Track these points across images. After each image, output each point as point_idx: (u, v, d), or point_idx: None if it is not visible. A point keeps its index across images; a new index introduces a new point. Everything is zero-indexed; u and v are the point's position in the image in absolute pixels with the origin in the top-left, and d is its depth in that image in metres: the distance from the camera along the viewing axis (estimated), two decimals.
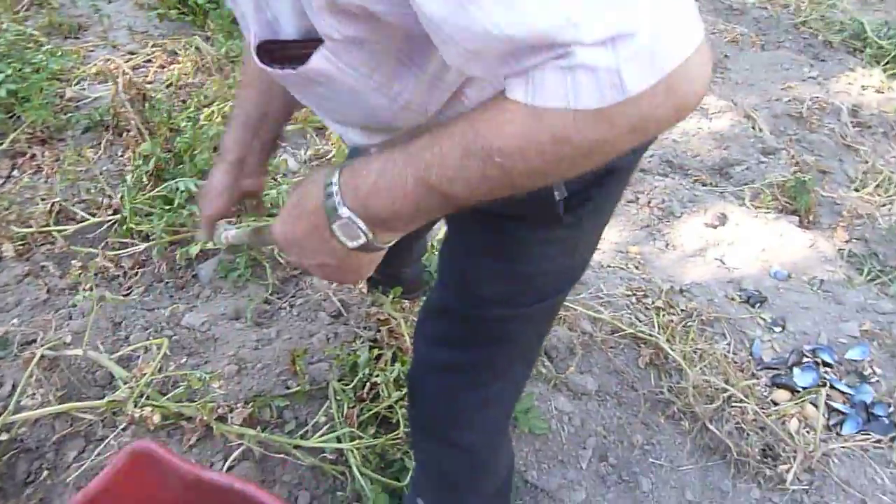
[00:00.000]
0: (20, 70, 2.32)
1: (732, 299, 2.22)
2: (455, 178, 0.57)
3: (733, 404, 1.79)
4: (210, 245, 1.67)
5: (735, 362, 1.96)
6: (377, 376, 1.60)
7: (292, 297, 1.87)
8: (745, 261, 2.43)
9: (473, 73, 0.62)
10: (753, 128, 3.12)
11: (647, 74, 0.49)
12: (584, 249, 1.04)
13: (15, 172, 2.26)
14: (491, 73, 0.56)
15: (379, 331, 1.76)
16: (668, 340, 1.92)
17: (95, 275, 1.83)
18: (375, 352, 1.67)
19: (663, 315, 2.05)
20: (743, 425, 1.76)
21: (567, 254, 0.99)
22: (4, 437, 1.43)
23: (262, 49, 0.70)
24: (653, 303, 2.11)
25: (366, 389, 1.60)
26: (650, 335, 1.93)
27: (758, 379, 1.94)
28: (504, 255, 0.95)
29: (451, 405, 1.18)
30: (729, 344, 2.02)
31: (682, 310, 2.09)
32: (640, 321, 2.01)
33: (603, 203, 0.96)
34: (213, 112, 2.24)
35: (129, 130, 2.24)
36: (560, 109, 0.51)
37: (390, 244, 0.71)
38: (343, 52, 0.64)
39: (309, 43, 0.64)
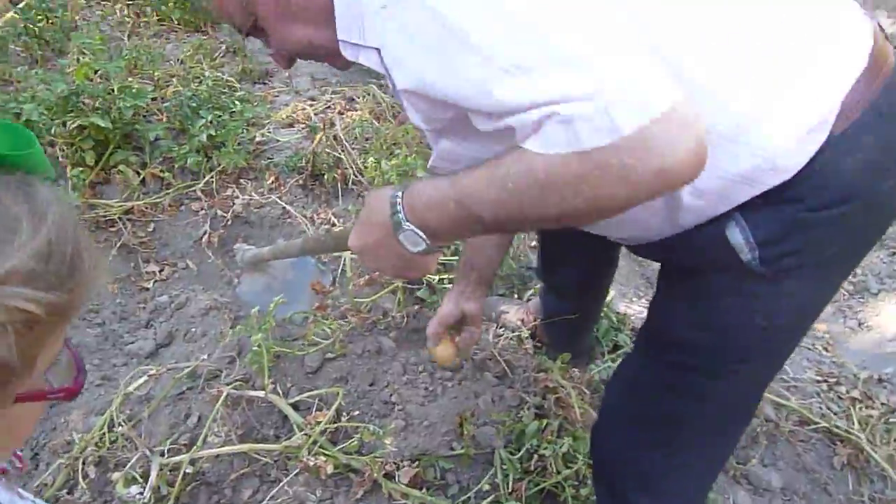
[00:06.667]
0: (219, 117, 2.52)
1: None
2: (482, 201, 0.73)
3: None
4: None
5: None
6: (545, 448, 1.54)
7: None
8: None
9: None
10: None
11: (602, 135, 0.62)
12: (784, 316, 0.96)
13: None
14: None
15: (545, 398, 1.70)
16: (868, 440, 1.70)
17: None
18: (543, 422, 1.61)
19: (860, 408, 1.83)
20: None
21: (763, 314, 0.94)
22: (190, 469, 1.51)
23: None
24: (847, 392, 1.89)
25: (533, 461, 1.54)
26: (848, 432, 1.72)
27: None
28: (698, 301, 0.99)
29: (633, 463, 1.15)
30: None
31: (882, 403, 1.86)
32: (833, 413, 1.80)
33: (809, 263, 0.89)
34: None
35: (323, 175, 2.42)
36: (543, 154, 0.66)
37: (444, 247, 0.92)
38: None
39: None
